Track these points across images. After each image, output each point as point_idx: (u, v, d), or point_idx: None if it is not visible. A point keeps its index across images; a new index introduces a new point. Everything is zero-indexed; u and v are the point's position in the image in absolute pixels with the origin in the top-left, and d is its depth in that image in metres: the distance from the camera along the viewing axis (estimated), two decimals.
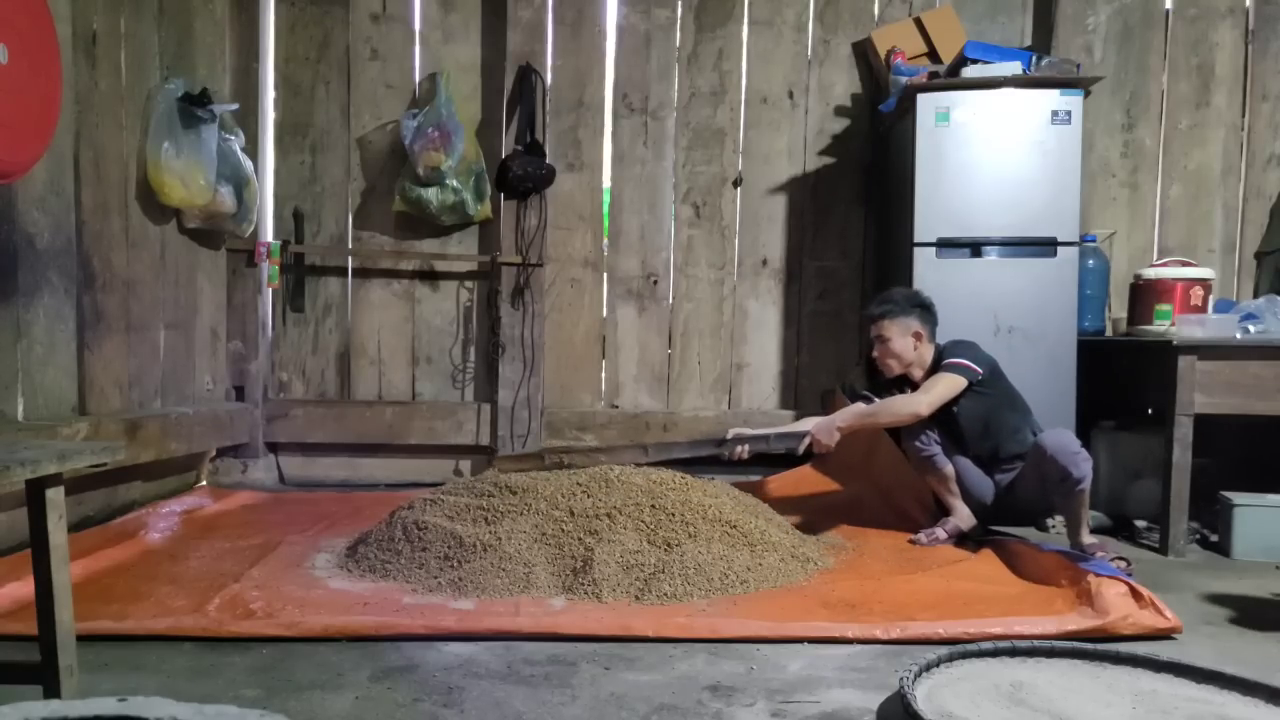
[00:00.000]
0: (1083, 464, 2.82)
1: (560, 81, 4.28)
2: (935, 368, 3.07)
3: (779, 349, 4.37)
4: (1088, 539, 2.96)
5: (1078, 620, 2.14)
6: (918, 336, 3.10)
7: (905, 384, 3.15)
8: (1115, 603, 2.18)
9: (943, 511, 3.18)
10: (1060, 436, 2.91)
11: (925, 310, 3.13)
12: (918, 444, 3.10)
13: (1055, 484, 2.88)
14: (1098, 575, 2.32)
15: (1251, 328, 3.14)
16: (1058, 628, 2.09)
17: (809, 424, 3.02)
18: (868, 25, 4.25)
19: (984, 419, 3.07)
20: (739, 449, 3.02)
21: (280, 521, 3.32)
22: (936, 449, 3.09)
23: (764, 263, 4.35)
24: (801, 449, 2.99)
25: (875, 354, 3.17)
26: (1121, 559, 2.86)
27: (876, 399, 3.17)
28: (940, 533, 3.09)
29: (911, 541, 3.07)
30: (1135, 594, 2.23)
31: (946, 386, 2.98)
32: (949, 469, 3.12)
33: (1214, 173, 4.20)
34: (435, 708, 1.73)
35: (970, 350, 3.07)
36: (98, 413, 3.10)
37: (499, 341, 4.22)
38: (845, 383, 4.26)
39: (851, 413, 3.04)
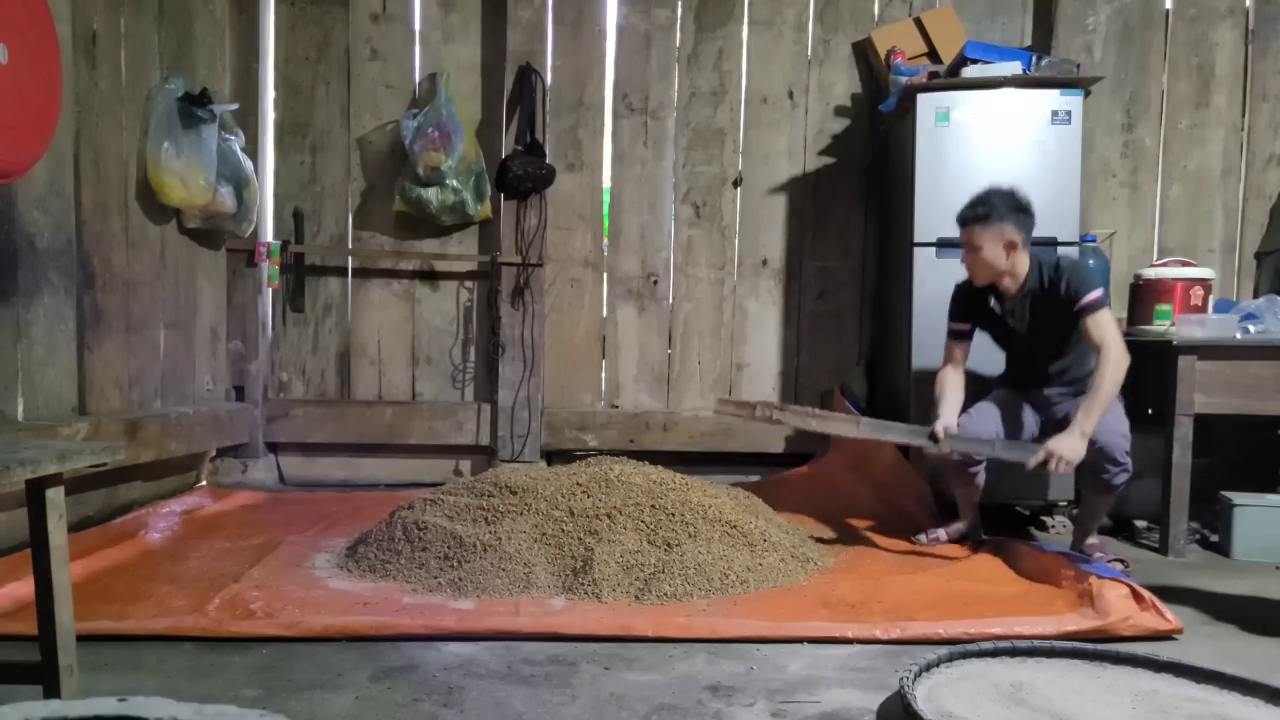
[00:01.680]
0: (1120, 475, 2.79)
1: (560, 81, 4.28)
2: (1054, 291, 2.83)
3: (779, 349, 4.37)
4: (1091, 539, 2.96)
5: (1078, 621, 2.14)
6: (1011, 246, 2.84)
7: (990, 293, 2.96)
8: (1116, 604, 2.18)
9: (946, 515, 3.16)
10: (1113, 432, 2.76)
11: (1024, 215, 2.86)
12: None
13: (1089, 473, 2.83)
14: (1100, 578, 2.32)
15: (1251, 328, 3.14)
16: (1057, 628, 2.10)
17: (1049, 443, 2.69)
18: (868, 25, 4.25)
19: (1069, 340, 2.90)
20: (950, 451, 2.86)
21: (280, 521, 3.32)
22: (981, 465, 2.99)
23: (764, 263, 4.34)
24: (1032, 464, 2.70)
25: (963, 259, 2.94)
26: (1119, 560, 2.86)
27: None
28: (942, 534, 3.08)
29: (911, 541, 3.07)
30: (1137, 596, 2.23)
31: (1111, 321, 2.77)
32: (981, 481, 3.03)
33: (1214, 173, 4.20)
34: (435, 708, 1.73)
35: (1094, 275, 2.89)
36: (98, 413, 3.10)
37: (499, 341, 4.22)
38: (845, 383, 4.27)
39: (1086, 411, 2.70)
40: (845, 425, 3.05)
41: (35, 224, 2.74)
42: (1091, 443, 2.69)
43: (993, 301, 2.98)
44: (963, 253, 2.94)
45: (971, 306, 3.04)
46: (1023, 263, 2.87)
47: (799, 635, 2.13)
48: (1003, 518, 3.54)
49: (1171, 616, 2.17)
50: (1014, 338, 3.00)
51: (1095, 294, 2.78)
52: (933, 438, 2.84)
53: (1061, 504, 3.44)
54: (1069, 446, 2.63)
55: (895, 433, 3.02)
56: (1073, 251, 3.47)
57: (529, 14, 4.16)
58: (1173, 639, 2.15)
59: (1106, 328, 2.76)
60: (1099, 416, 2.69)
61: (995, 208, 2.83)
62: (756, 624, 2.17)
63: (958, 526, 3.09)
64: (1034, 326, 2.92)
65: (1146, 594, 2.23)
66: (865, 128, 4.27)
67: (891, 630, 2.13)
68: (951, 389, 2.97)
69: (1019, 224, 2.84)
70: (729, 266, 4.36)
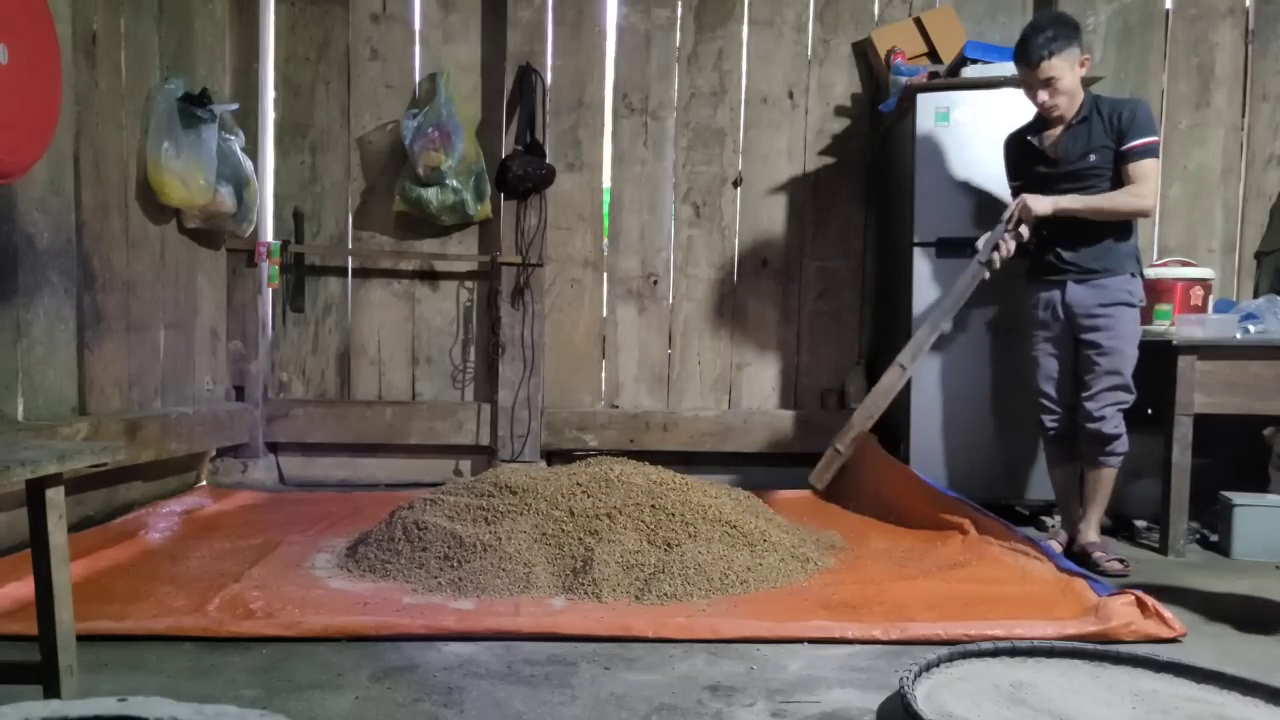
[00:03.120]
0: (1110, 449, 2.85)
1: (560, 81, 4.28)
2: (1107, 123, 2.80)
3: (779, 349, 4.37)
4: (1093, 536, 2.94)
5: (1079, 625, 2.13)
6: (1084, 63, 2.81)
7: (1034, 130, 2.95)
8: (1119, 611, 2.17)
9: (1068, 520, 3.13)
10: (1107, 405, 2.83)
11: (1078, 31, 2.83)
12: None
13: (1085, 442, 2.91)
14: (1108, 596, 2.29)
15: (1251, 328, 3.13)
16: (1058, 631, 2.09)
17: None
18: (868, 25, 4.25)
19: (1106, 181, 2.84)
20: (994, 256, 2.93)
21: (280, 521, 3.32)
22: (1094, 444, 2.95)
23: (764, 263, 4.34)
24: (1008, 218, 2.88)
25: (1041, 99, 2.84)
26: (1119, 560, 2.86)
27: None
28: (1054, 544, 2.97)
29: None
30: (1140, 604, 2.22)
31: (1156, 175, 2.76)
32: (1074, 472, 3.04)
33: (1214, 173, 4.20)
34: (435, 708, 1.73)
35: (1150, 114, 2.81)
36: (98, 413, 3.10)
37: (499, 341, 4.22)
38: (844, 384, 4.27)
39: (1073, 199, 2.79)
40: (891, 378, 3.09)
41: (35, 224, 2.74)
42: (1102, 353, 2.81)
43: (1033, 138, 2.96)
44: (1037, 94, 2.83)
45: (1020, 155, 3.03)
46: (1080, 85, 2.84)
47: (798, 636, 2.13)
48: (1004, 518, 3.54)
49: (1176, 623, 2.16)
50: (1050, 181, 2.93)
51: (1150, 138, 2.74)
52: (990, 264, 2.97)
53: None
54: (1036, 201, 2.76)
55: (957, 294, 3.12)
56: None
57: (529, 14, 4.16)
58: (1176, 641, 2.15)
59: (1146, 172, 2.74)
60: (1083, 209, 2.77)
61: (1062, 31, 2.76)
62: (756, 624, 2.17)
63: (1064, 535, 3.06)
64: (1074, 166, 2.87)
65: (1150, 602, 2.21)
66: (865, 128, 4.27)
67: (891, 631, 2.13)
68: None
69: (1080, 41, 2.79)
70: (729, 266, 4.36)
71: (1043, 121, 2.96)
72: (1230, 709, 1.49)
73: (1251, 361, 3.04)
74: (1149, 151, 2.77)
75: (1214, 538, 3.24)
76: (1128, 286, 2.88)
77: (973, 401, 3.53)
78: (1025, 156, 3.03)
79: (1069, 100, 2.84)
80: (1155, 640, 2.12)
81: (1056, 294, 2.96)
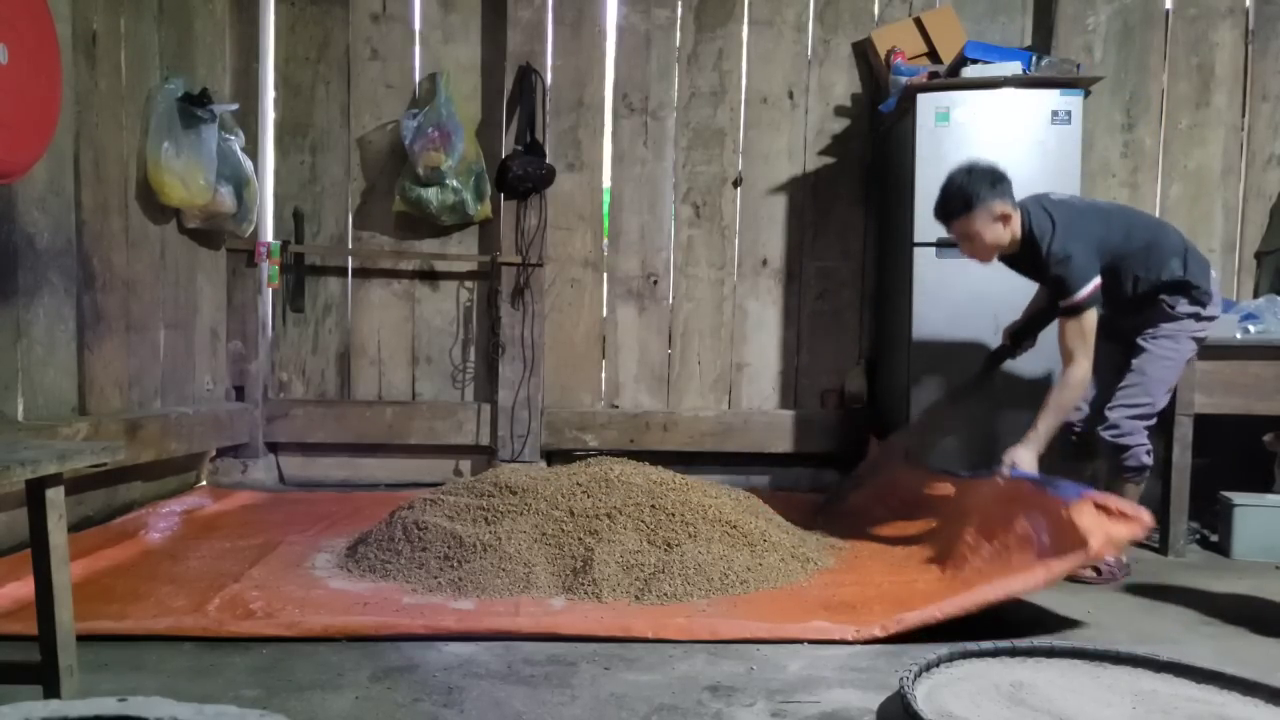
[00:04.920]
0: (1124, 456, 2.77)
1: (560, 81, 4.28)
2: (1039, 260, 2.73)
3: (779, 349, 4.37)
4: None
5: (1063, 565, 2.16)
6: (1004, 218, 2.72)
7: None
8: (1091, 526, 2.17)
9: None
10: (1124, 416, 2.75)
11: (998, 182, 2.74)
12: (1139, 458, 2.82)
13: (1106, 460, 2.85)
14: (1068, 502, 2.27)
15: (1251, 328, 3.14)
16: (1048, 576, 2.12)
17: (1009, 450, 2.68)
18: (868, 25, 4.25)
19: (1112, 282, 2.76)
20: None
21: (280, 521, 3.32)
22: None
23: (764, 263, 4.34)
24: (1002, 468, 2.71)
25: (963, 251, 2.85)
26: (1095, 569, 2.81)
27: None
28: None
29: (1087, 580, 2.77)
30: (1102, 508, 2.23)
31: (1085, 331, 2.66)
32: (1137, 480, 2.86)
33: (1214, 173, 4.20)
34: (435, 708, 1.73)
35: (1078, 259, 2.66)
36: (98, 413, 3.10)
37: (499, 341, 4.22)
38: (844, 383, 4.27)
39: (1039, 436, 2.69)
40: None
41: (35, 224, 2.74)
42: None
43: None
44: (960, 247, 2.87)
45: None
46: (1016, 226, 2.76)
47: (798, 636, 2.13)
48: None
49: (1143, 514, 2.19)
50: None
51: (1075, 299, 2.67)
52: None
53: None
54: (1018, 452, 2.65)
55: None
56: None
57: (529, 14, 4.16)
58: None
59: (1071, 335, 2.67)
60: (1047, 430, 2.69)
61: (973, 192, 2.72)
62: (756, 625, 2.17)
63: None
64: (1039, 279, 2.89)
65: (1111, 501, 2.24)
66: (865, 128, 4.27)
67: (890, 626, 2.13)
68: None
69: (1004, 193, 2.74)
70: (729, 266, 4.36)
71: None
72: (1230, 709, 1.49)
73: (1251, 361, 3.04)
74: (1070, 312, 2.69)
75: (1214, 538, 3.24)
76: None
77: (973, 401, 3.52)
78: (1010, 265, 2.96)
79: (991, 251, 2.80)
80: (1134, 541, 2.21)
81: None
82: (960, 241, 2.84)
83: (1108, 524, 2.17)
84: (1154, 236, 2.85)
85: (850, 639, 2.11)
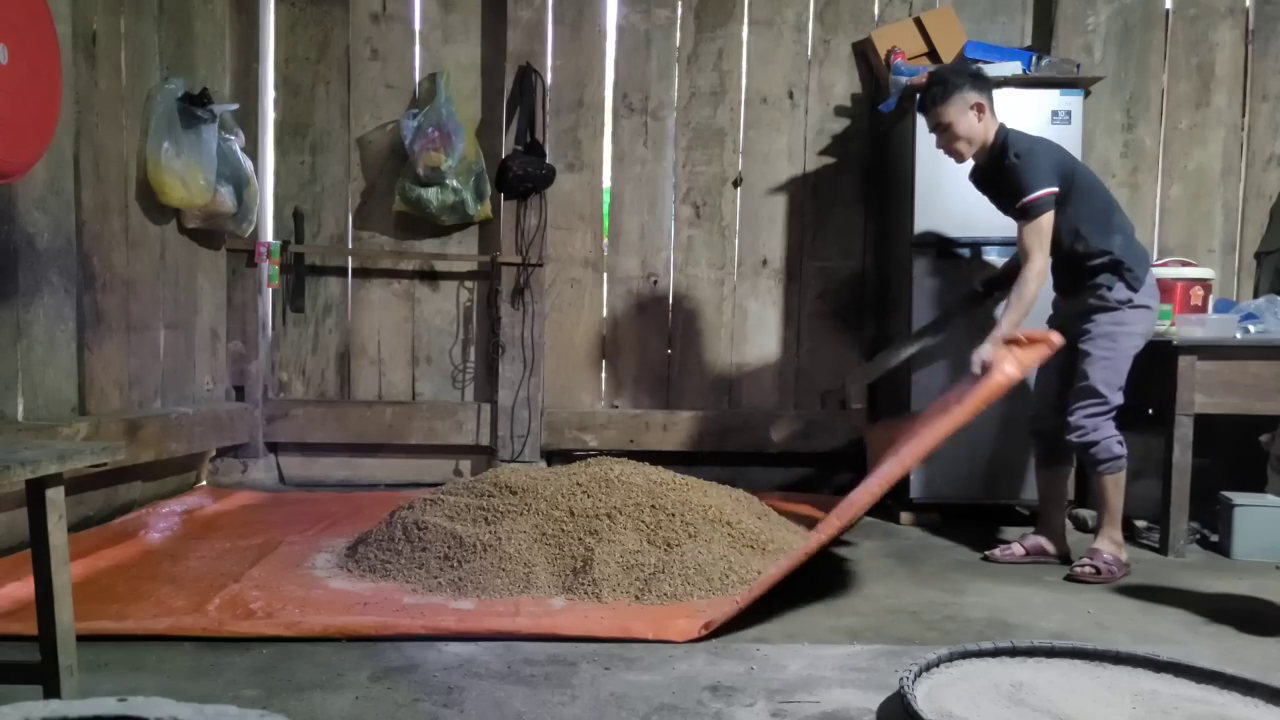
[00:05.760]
0: (1078, 434, 2.80)
1: (560, 81, 4.28)
2: (1003, 169, 2.83)
3: (779, 349, 4.37)
4: (1103, 543, 2.81)
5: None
6: (979, 109, 2.83)
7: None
8: (1002, 356, 2.51)
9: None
10: (1083, 417, 2.78)
11: (977, 78, 2.87)
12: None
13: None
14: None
15: (1251, 328, 3.14)
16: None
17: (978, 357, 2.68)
18: (868, 25, 4.25)
19: (1059, 232, 2.82)
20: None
21: (280, 521, 3.32)
22: (1063, 449, 2.94)
23: (764, 263, 4.34)
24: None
25: (940, 146, 2.93)
26: (1094, 567, 2.81)
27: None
28: (1017, 548, 2.97)
29: (985, 557, 2.96)
30: (1013, 341, 2.54)
31: (1041, 231, 2.74)
32: (1068, 476, 3.01)
33: (1214, 173, 4.20)
34: (435, 708, 1.73)
35: (1038, 162, 2.77)
36: (98, 413, 3.10)
37: (499, 341, 4.22)
38: (846, 385, 4.26)
39: (1007, 324, 2.71)
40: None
41: (35, 224, 2.74)
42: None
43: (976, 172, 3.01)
44: (937, 140, 2.92)
45: (975, 182, 3.06)
46: (992, 128, 2.86)
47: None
48: (1003, 519, 3.54)
49: (1052, 335, 2.52)
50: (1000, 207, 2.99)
51: (1030, 197, 2.75)
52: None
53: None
54: (984, 349, 2.67)
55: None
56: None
57: (529, 14, 4.16)
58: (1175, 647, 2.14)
59: (1031, 237, 2.75)
60: (1011, 326, 2.71)
61: (949, 82, 2.84)
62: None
63: (1037, 541, 2.98)
64: (999, 204, 2.95)
65: (1021, 333, 2.58)
66: (865, 128, 4.27)
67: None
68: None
69: (978, 87, 2.84)
70: (729, 266, 4.36)
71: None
72: (1230, 709, 1.49)
73: (1251, 361, 3.04)
74: (1025, 213, 2.76)
75: (1214, 538, 3.24)
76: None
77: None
78: (979, 183, 3.05)
79: (967, 145, 2.88)
80: (1041, 359, 2.52)
81: None
82: (937, 135, 2.92)
83: (1017, 351, 2.33)
84: (1109, 207, 2.89)
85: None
